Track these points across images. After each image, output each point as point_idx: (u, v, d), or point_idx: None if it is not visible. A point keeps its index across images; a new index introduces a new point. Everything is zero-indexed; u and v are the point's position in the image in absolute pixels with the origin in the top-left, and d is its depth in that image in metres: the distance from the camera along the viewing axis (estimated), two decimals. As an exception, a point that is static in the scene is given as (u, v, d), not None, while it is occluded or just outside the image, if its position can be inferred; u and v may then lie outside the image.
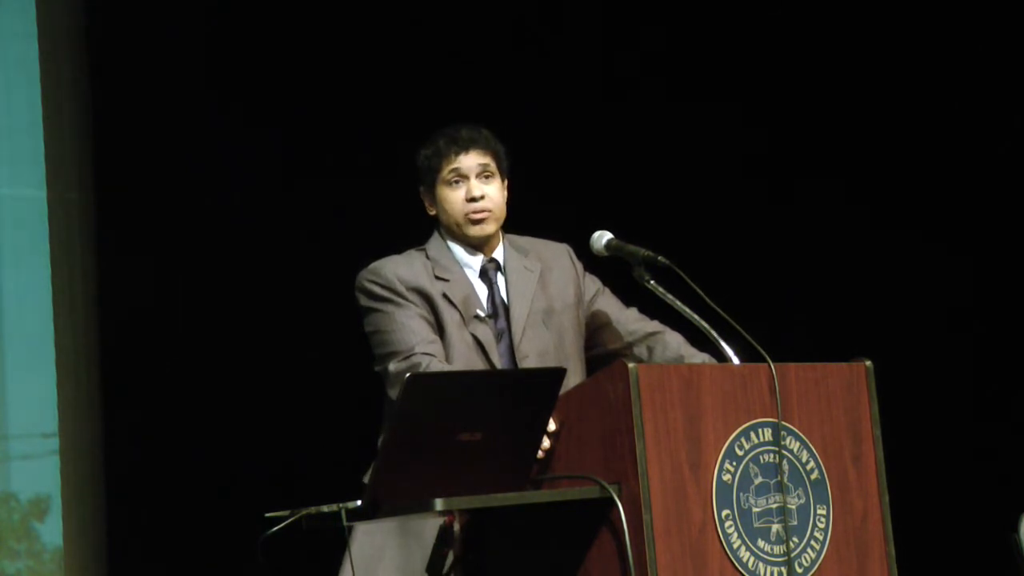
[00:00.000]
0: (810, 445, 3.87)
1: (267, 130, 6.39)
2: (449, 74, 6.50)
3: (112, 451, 6.24)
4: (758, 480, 3.77)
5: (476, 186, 4.30)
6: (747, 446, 3.77)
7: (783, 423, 3.82)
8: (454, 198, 4.31)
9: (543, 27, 6.74)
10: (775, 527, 3.78)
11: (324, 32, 6.56)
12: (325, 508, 3.49)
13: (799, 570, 3.79)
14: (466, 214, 4.29)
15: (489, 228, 4.32)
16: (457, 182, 4.31)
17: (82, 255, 6.26)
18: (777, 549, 3.77)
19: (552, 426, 3.69)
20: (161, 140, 6.30)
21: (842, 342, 4.39)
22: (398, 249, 4.35)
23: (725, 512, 3.71)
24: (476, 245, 4.33)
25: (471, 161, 4.31)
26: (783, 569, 3.76)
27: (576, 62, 6.72)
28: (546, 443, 3.70)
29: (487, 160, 4.33)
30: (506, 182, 4.37)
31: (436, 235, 4.37)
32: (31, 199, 6.18)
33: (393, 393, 4.11)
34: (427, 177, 4.34)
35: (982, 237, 6.65)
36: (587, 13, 6.78)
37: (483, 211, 4.29)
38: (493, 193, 4.32)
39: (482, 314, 4.26)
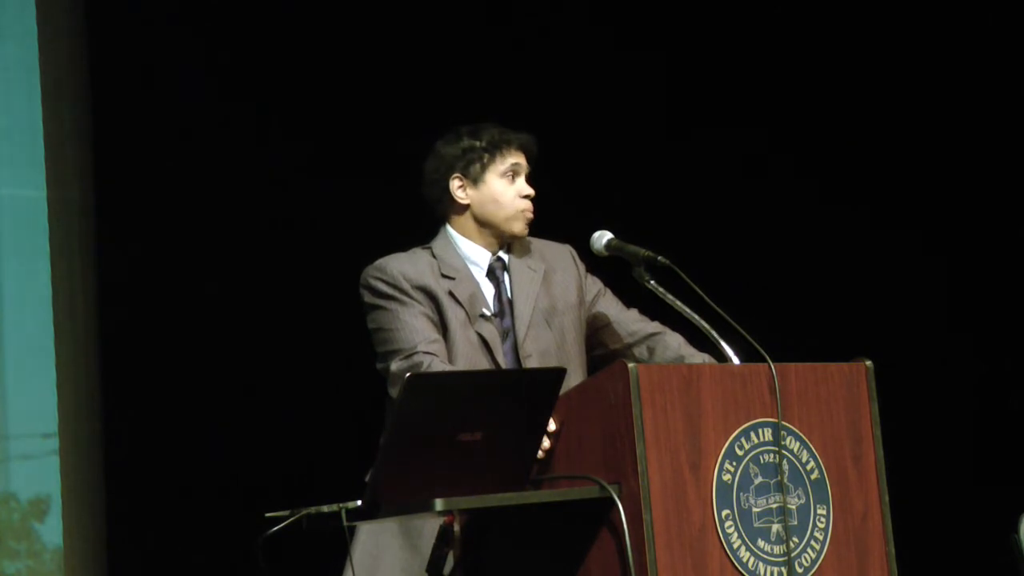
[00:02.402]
0: (810, 445, 3.87)
1: (268, 130, 6.40)
2: (449, 74, 6.50)
3: (112, 451, 6.24)
4: (758, 480, 3.77)
5: (526, 185, 4.34)
6: (747, 446, 3.77)
7: (783, 423, 3.82)
8: (512, 192, 4.32)
9: (544, 27, 6.73)
10: (775, 527, 3.78)
11: (325, 32, 6.56)
12: (325, 508, 3.49)
13: (799, 570, 3.79)
14: (522, 210, 4.32)
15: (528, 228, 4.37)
16: (512, 178, 4.33)
17: (82, 255, 6.26)
18: (777, 549, 3.77)
19: (552, 426, 3.69)
20: (161, 140, 6.30)
21: (842, 342, 4.38)
22: (400, 247, 4.34)
23: (725, 512, 3.71)
24: (487, 244, 4.33)
25: (524, 160, 4.36)
26: (783, 569, 3.76)
27: (576, 62, 6.72)
28: (546, 443, 3.70)
29: (527, 161, 4.38)
30: None
31: (442, 232, 4.36)
32: (31, 199, 6.17)
33: (394, 392, 4.10)
34: (473, 165, 4.32)
35: (983, 237, 6.64)
36: (587, 13, 6.78)
37: (532, 210, 4.33)
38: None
39: (488, 312, 4.26)
